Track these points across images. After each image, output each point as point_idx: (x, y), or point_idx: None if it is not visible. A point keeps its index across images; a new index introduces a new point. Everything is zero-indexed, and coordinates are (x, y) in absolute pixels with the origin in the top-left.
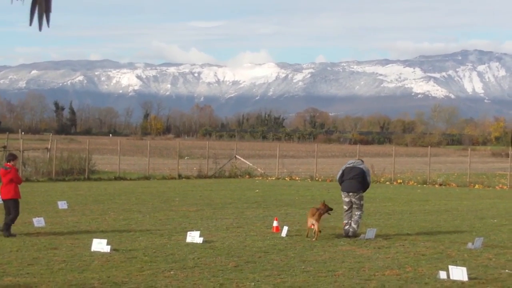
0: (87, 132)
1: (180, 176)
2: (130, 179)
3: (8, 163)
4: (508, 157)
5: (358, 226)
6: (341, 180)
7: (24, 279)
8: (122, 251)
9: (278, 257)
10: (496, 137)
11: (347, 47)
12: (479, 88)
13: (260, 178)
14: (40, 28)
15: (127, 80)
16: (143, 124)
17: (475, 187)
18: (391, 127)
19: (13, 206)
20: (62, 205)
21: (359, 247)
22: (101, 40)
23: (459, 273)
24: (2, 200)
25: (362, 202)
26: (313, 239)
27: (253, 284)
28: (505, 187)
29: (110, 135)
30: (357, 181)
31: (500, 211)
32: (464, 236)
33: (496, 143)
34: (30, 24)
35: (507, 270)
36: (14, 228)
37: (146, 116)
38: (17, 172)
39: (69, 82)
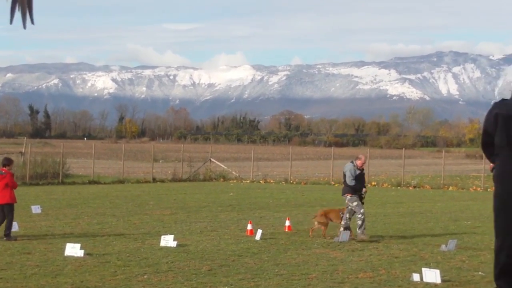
0: (62, 135)
1: (154, 180)
2: (104, 183)
3: (4, 168)
4: (482, 158)
5: (360, 228)
6: None
7: None
8: (95, 255)
9: (252, 261)
10: (470, 138)
11: (322, 49)
12: (454, 89)
13: (235, 181)
14: (24, 26)
15: (102, 83)
16: (118, 128)
17: (449, 189)
18: (366, 129)
19: (8, 211)
20: (36, 209)
21: (333, 250)
22: (77, 43)
23: (432, 275)
24: None
25: (353, 204)
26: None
27: (226, 287)
28: (479, 189)
29: (85, 138)
30: (344, 184)
31: (474, 213)
32: (438, 238)
33: (471, 144)
34: (11, 23)
35: (480, 272)
36: None
37: (121, 119)
38: (12, 177)
39: (44, 85)
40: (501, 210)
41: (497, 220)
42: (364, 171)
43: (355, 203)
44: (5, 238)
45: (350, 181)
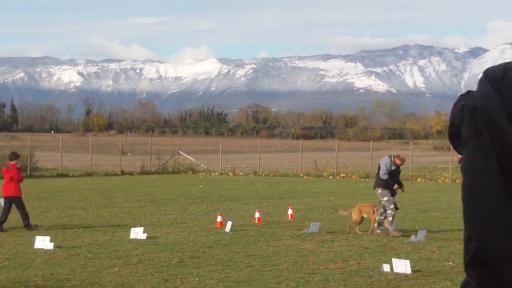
0: (29, 129)
1: (123, 173)
2: (73, 176)
3: (10, 162)
4: (450, 150)
5: (391, 225)
6: None
7: None
8: (65, 248)
9: (222, 252)
10: (437, 131)
11: (288, 43)
12: (420, 82)
13: (204, 173)
14: None
15: (68, 77)
16: (85, 121)
17: (418, 180)
18: (333, 122)
19: (17, 204)
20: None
21: (303, 241)
22: (42, 36)
23: (402, 266)
24: (4, 197)
25: (383, 199)
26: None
27: (197, 279)
28: (447, 180)
29: (52, 132)
30: (376, 177)
31: (443, 204)
32: (407, 229)
33: (438, 137)
34: None
35: (450, 263)
36: None
37: (88, 112)
38: (18, 171)
39: (10, 79)
40: (469, 201)
41: (466, 211)
42: (400, 169)
43: (385, 198)
44: (25, 228)
45: (383, 175)
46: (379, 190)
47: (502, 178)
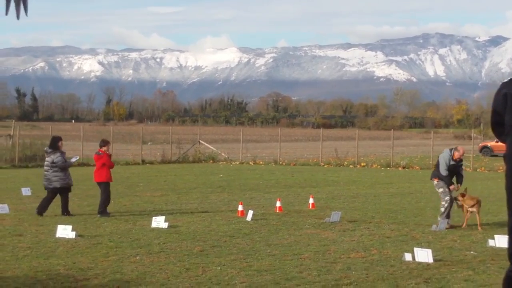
0: (49, 118)
1: (143, 162)
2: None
3: (101, 149)
4: (471, 139)
5: (441, 216)
6: None
7: None
8: (87, 237)
9: (243, 241)
10: (458, 119)
11: (308, 31)
12: (440, 71)
13: (224, 162)
14: (18, 17)
15: (88, 66)
16: (106, 110)
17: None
18: (353, 111)
19: (103, 189)
20: (26, 191)
21: (324, 230)
22: (62, 26)
23: (424, 255)
24: (97, 183)
25: (439, 190)
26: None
27: (219, 268)
28: (468, 169)
29: (73, 121)
30: (435, 168)
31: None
32: (429, 218)
33: (458, 125)
34: (6, 14)
35: (472, 252)
36: None
37: (109, 102)
38: (109, 157)
39: (30, 68)
40: None
41: (510, 199)
42: (462, 163)
43: (441, 189)
44: (98, 215)
45: (443, 171)
46: (435, 182)
47: None
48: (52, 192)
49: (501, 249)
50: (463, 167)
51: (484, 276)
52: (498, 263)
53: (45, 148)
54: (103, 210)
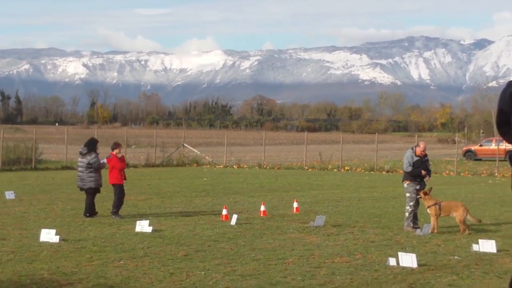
0: (33, 121)
1: (127, 165)
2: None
3: (112, 152)
4: (455, 143)
5: (406, 220)
6: None
7: None
8: (71, 241)
9: (228, 246)
10: (442, 123)
11: (293, 34)
12: (425, 74)
13: (208, 166)
14: None
15: (73, 69)
16: (90, 113)
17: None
18: (338, 114)
19: (115, 190)
20: (10, 195)
21: (309, 234)
22: (47, 28)
23: (408, 259)
24: (111, 184)
25: (406, 194)
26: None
27: (203, 273)
28: (452, 173)
29: (57, 124)
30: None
31: (447, 197)
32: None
33: (442, 129)
34: None
35: (456, 256)
36: None
37: (93, 104)
38: (118, 160)
39: (15, 70)
40: None
41: None
42: (427, 158)
43: (408, 194)
44: (113, 216)
45: (406, 168)
46: (405, 184)
47: None
48: (88, 193)
49: (485, 253)
50: (429, 162)
51: (468, 281)
52: (482, 268)
53: (80, 150)
54: (115, 212)
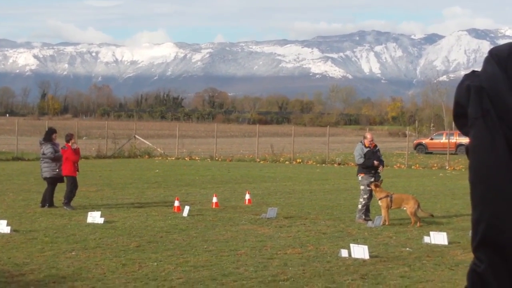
0: None
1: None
2: (28, 160)
3: (67, 143)
4: (406, 136)
5: (358, 212)
6: None
7: None
8: (22, 232)
9: (180, 237)
10: (393, 117)
11: (245, 27)
12: (376, 68)
13: (160, 158)
14: None
15: (24, 60)
16: (41, 104)
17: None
18: (289, 107)
19: (68, 182)
20: None
21: (261, 226)
22: None
23: (360, 251)
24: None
25: (361, 187)
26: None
27: (155, 264)
28: (403, 166)
29: (7, 115)
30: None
31: (399, 190)
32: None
33: (393, 123)
34: None
35: (408, 248)
36: None
37: (44, 96)
38: (72, 151)
39: None
40: (478, 182)
41: (474, 192)
42: (378, 148)
43: (362, 187)
44: (64, 207)
45: (357, 160)
46: (359, 177)
47: (510, 157)
48: (48, 183)
49: (436, 245)
50: (380, 152)
51: (420, 272)
52: (434, 259)
53: (39, 140)
54: (66, 202)
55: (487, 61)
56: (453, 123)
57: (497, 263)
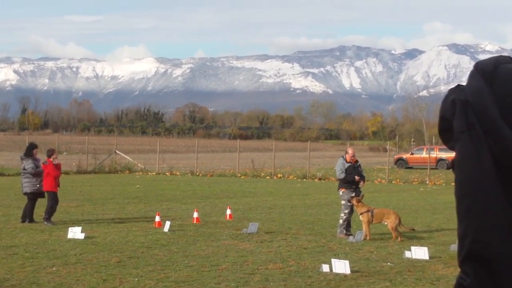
0: None
1: None
2: (9, 175)
3: (49, 158)
4: (386, 151)
5: (339, 227)
6: None
7: None
8: (2, 247)
9: (161, 252)
10: (373, 131)
11: (226, 42)
12: (356, 83)
13: (141, 173)
14: None
15: (4, 75)
16: (21, 119)
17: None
18: (270, 122)
19: (49, 197)
20: None
21: (242, 241)
22: None
23: (341, 266)
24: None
25: (341, 202)
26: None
27: (136, 279)
28: (383, 181)
29: None
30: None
31: (380, 204)
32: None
33: (374, 137)
34: None
35: (389, 263)
36: None
37: (24, 111)
38: (54, 167)
39: None
40: (464, 196)
41: (460, 206)
42: (359, 164)
43: (343, 202)
44: (45, 222)
45: (338, 175)
46: (340, 192)
47: (496, 171)
48: (28, 198)
49: (417, 260)
50: (361, 168)
51: (401, 287)
52: (415, 274)
53: (20, 155)
54: (47, 218)
55: (472, 75)
56: (439, 137)
57: (483, 277)
